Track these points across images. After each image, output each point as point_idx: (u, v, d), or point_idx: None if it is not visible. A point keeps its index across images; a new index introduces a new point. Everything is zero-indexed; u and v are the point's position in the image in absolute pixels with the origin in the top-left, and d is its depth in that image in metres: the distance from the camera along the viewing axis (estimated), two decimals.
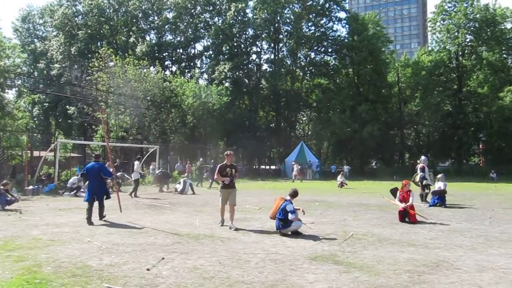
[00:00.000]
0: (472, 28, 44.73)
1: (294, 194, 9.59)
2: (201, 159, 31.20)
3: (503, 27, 45.19)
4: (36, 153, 28.98)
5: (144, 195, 19.61)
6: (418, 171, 16.64)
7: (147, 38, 55.72)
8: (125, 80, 36.10)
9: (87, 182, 13.61)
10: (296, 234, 9.17)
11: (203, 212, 13.25)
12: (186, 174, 24.11)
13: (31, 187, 19.61)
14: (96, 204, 11.17)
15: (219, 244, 8.16)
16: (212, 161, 31.50)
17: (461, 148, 45.56)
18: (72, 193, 19.76)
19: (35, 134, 51.76)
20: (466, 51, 46.35)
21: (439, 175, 16.46)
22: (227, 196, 10.35)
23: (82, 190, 20.56)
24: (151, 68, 44.80)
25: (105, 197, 11.48)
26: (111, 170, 12.74)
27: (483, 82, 45.25)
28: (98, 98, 37.55)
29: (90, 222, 10.56)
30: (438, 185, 15.74)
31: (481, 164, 51.56)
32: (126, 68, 36.44)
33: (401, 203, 11.47)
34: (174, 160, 39.18)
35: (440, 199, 14.93)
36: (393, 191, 12.63)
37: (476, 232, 9.70)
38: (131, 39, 52.62)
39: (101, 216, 11.25)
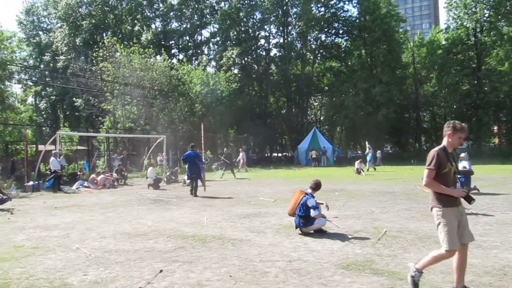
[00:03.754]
0: (491, 2, 42.40)
1: (316, 186, 8.18)
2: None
3: None
4: (42, 147, 27.97)
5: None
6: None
7: (153, 26, 54.29)
8: (131, 70, 35.01)
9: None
10: (320, 233, 7.84)
11: (212, 207, 11.96)
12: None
13: (31, 183, 18.50)
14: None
15: (229, 249, 6.85)
16: (225, 149, 30.16)
17: (481, 129, 43.59)
18: (76, 188, 18.69)
19: (42, 128, 50.82)
20: (484, 27, 44.01)
21: (462, 154, 15.07)
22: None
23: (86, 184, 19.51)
24: (158, 57, 43.47)
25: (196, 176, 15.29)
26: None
27: (504, 59, 42.96)
28: (104, 89, 36.46)
29: (194, 194, 14.76)
30: (463, 165, 14.32)
31: (497, 145, 49.38)
32: (132, 57, 35.30)
33: None
34: (183, 150, 38.06)
35: (464, 178, 13.45)
36: None
37: None
38: (136, 28, 51.17)
39: (195, 192, 14.84)
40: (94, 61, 37.86)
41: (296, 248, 6.78)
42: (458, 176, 12.42)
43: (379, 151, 39.69)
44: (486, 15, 43.24)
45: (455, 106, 47.17)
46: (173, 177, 22.56)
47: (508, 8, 41.80)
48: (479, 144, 44.56)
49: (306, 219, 7.79)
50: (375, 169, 28.04)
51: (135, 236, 8.07)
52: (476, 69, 44.35)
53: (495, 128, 48.06)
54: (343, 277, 5.24)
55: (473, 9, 43.11)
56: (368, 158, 29.02)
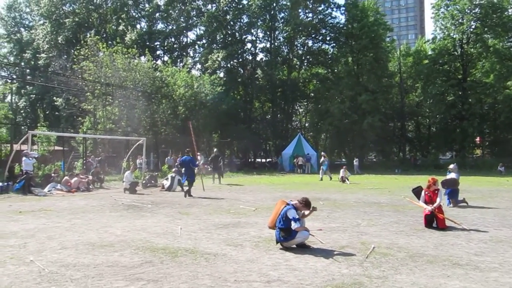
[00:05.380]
0: (478, 14, 42.56)
1: (306, 204, 7.39)
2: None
3: (510, 13, 43.12)
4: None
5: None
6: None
7: (138, 26, 53.29)
8: (113, 70, 34.15)
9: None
10: (303, 248, 7.17)
11: (188, 215, 11.22)
12: (174, 169, 21.94)
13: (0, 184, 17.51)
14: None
15: (202, 265, 6.14)
16: (215, 149, 27.36)
17: (466, 140, 43.65)
18: (48, 191, 17.73)
19: (20, 127, 49.41)
20: (471, 38, 44.17)
21: (451, 166, 14.83)
22: None
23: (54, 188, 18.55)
24: (141, 58, 42.59)
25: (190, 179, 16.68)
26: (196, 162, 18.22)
27: (489, 71, 43.15)
28: (85, 89, 35.46)
29: (190, 195, 15.85)
30: (450, 176, 13.94)
31: (480, 157, 49.47)
32: (115, 57, 34.42)
33: (427, 204, 9.50)
34: (165, 153, 37.27)
35: (450, 190, 12.96)
36: (416, 191, 10.53)
37: None
38: (121, 27, 50.13)
39: (189, 193, 15.91)
40: (75, 60, 36.87)
41: (276, 266, 6.10)
42: (444, 188, 12.02)
43: (356, 159, 39.36)
44: (473, 26, 43.43)
45: (440, 117, 47.24)
46: (152, 181, 21.73)
47: (494, 20, 42.01)
48: (463, 156, 44.54)
49: (287, 232, 7.11)
50: (331, 178, 26.82)
51: (100, 247, 7.30)
52: (461, 80, 44.48)
53: (478, 139, 48.26)
54: None
55: (460, 21, 43.30)
56: (324, 167, 27.98)
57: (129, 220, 10.34)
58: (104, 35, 48.45)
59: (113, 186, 21.49)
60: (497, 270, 5.93)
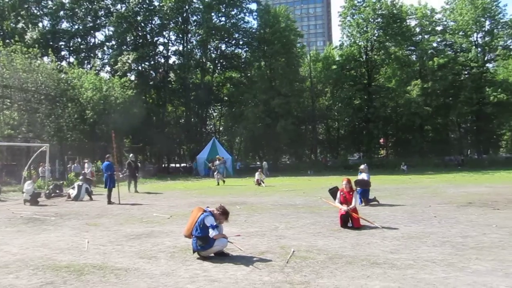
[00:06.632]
0: (380, 23, 45.41)
1: (223, 212, 7.05)
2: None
3: (408, 24, 46.62)
4: None
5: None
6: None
7: (40, 25, 49.71)
8: (11, 70, 31.36)
9: None
10: (221, 256, 6.83)
11: (97, 226, 10.38)
12: (81, 177, 20.54)
13: None
14: None
15: (112, 283, 5.56)
16: (131, 155, 24.33)
17: (372, 141, 46.28)
18: None
19: None
20: (375, 46, 47.06)
21: (362, 166, 15.23)
22: None
23: None
24: (44, 58, 39.71)
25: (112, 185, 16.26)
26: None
27: (391, 77, 46.25)
28: None
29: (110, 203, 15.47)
30: (361, 176, 14.42)
31: (385, 157, 52.75)
32: (13, 56, 31.68)
33: (342, 205, 9.63)
34: (72, 160, 34.96)
35: (362, 190, 13.37)
36: (333, 191, 10.68)
37: (435, 238, 8.07)
38: (20, 25, 46.50)
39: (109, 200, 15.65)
40: None
41: (194, 278, 5.69)
42: (355, 187, 12.34)
43: (265, 162, 39.93)
44: (376, 34, 46.24)
45: (348, 120, 49.58)
46: (57, 191, 20.09)
47: (395, 30, 44.99)
48: (370, 156, 47.12)
49: (205, 241, 6.72)
50: (223, 181, 26.38)
51: None
52: (367, 85, 47.14)
53: (382, 140, 51.36)
54: None
55: (365, 29, 45.88)
56: (220, 170, 27.70)
57: (29, 236, 9.29)
58: (1, 33, 44.62)
59: (12, 198, 19.54)
60: (412, 267, 6.03)
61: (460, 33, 45.72)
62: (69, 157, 37.43)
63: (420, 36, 48.23)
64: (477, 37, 46.53)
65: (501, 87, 43.02)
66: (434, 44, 47.53)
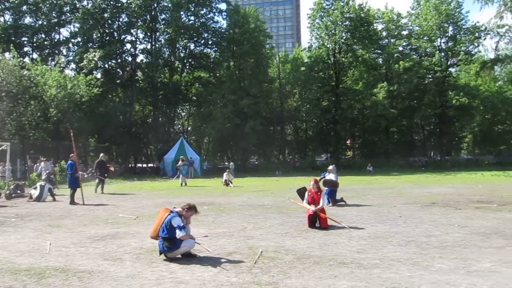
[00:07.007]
0: (348, 26, 46.08)
1: (190, 208, 6.98)
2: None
3: (375, 27, 47.53)
4: None
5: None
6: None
7: (1, 19, 48.01)
8: None
9: None
10: (188, 258, 6.73)
11: (60, 228, 10.07)
12: (44, 177, 19.92)
13: None
14: None
15: (74, 286, 5.37)
16: (102, 154, 23.64)
17: (339, 142, 46.90)
18: None
19: None
20: (342, 48, 47.71)
21: (330, 167, 15.26)
22: None
23: None
24: (6, 54, 38.38)
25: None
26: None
27: (358, 79, 47.01)
28: None
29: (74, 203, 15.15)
30: (329, 177, 14.52)
31: (351, 158, 53.61)
32: None
33: (310, 205, 9.68)
34: (34, 159, 33.89)
35: (329, 190, 13.48)
36: (301, 192, 10.71)
37: (400, 237, 8.22)
38: None
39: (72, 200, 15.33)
40: None
41: (160, 280, 5.58)
42: (324, 187, 12.46)
43: (232, 163, 39.75)
44: (344, 37, 46.85)
45: (316, 121, 50.09)
46: (18, 191, 19.41)
47: (362, 33, 45.75)
48: (337, 157, 47.73)
49: (171, 242, 6.61)
50: (186, 183, 25.55)
51: None
52: (334, 86, 47.75)
53: (348, 141, 52.15)
54: None
55: (333, 31, 46.38)
56: (183, 171, 27.31)
57: None
58: None
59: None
60: (379, 266, 6.10)
61: (425, 38, 46.94)
62: (31, 156, 36.34)
63: (386, 40, 49.32)
64: (440, 42, 47.93)
65: (463, 91, 44.45)
66: (400, 48, 48.69)
